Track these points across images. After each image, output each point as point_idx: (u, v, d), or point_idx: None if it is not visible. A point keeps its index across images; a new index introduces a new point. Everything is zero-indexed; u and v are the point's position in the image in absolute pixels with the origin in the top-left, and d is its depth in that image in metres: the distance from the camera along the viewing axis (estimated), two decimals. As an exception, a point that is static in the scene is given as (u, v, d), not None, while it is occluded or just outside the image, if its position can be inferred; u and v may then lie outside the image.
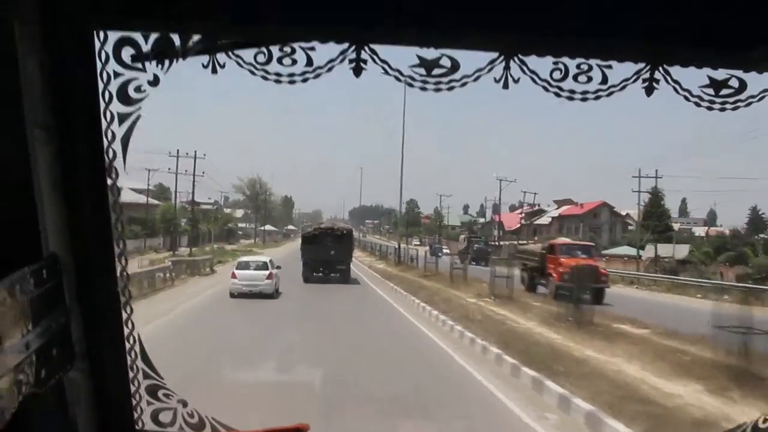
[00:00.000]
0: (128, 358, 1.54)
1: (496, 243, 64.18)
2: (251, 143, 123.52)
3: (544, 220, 69.99)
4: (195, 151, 47.74)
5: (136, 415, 1.58)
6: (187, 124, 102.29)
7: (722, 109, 1.45)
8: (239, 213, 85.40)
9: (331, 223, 37.68)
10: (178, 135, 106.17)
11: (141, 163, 43.16)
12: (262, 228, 78.25)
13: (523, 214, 71.95)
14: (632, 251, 51.72)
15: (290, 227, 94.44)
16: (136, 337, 1.55)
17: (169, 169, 47.61)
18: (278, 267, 24.54)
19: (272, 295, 22.91)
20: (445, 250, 54.86)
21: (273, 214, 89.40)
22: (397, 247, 47.49)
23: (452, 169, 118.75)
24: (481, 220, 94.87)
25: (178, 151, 47.19)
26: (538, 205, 66.85)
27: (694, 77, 1.44)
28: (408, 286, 27.21)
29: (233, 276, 23.22)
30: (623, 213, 67.46)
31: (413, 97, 54.00)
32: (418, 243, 73.00)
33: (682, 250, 51.16)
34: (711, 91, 1.44)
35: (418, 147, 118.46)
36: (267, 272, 23.24)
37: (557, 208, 72.62)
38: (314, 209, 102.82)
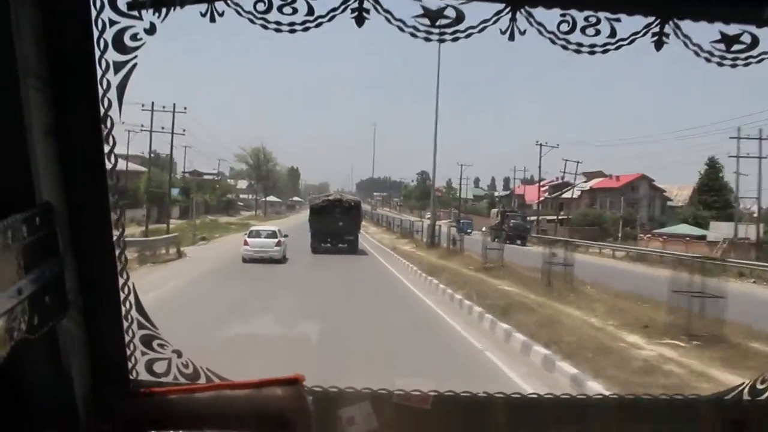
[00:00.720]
0: (122, 308, 1.50)
1: (535, 219, 53.71)
2: (256, 109, 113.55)
3: (574, 193, 59.81)
4: (174, 104, 37.27)
5: (130, 365, 1.53)
6: (185, 86, 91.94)
7: (733, 65, 1.37)
8: (243, 184, 76.59)
9: (339, 195, 35.81)
10: (172, 97, 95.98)
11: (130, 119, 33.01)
12: (264, 199, 68.54)
13: (547, 187, 61.80)
14: (692, 230, 41.79)
15: (296, 198, 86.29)
16: (131, 287, 1.50)
17: (142, 125, 36.92)
18: (286, 236, 26.80)
19: (280, 260, 25.27)
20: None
21: (278, 185, 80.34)
22: (418, 221, 37.11)
23: (464, 142, 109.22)
24: (495, 193, 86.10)
25: (152, 104, 36.51)
26: (563, 177, 57.02)
27: (705, 32, 1.35)
28: (478, 295, 15.71)
29: (245, 243, 25.69)
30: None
31: (425, 73, 44.49)
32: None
33: (741, 230, 41.39)
34: (722, 46, 1.36)
35: (428, 120, 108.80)
36: (276, 240, 25.92)
37: (586, 181, 62.43)
38: (321, 181, 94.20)
